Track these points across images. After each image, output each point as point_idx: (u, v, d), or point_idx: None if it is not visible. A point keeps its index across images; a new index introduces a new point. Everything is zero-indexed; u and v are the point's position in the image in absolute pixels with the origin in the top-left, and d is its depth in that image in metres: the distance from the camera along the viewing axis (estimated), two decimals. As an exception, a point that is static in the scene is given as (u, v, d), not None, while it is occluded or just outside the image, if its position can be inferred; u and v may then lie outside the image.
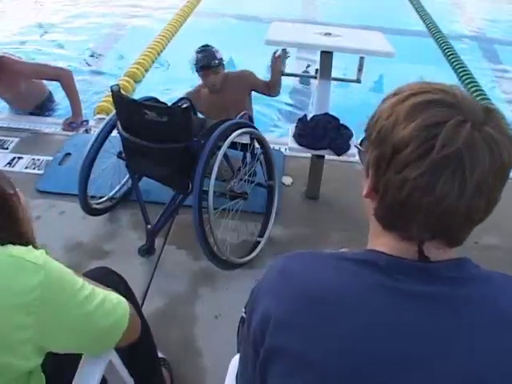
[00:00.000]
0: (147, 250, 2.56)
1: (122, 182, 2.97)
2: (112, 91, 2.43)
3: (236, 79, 3.58)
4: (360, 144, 0.92)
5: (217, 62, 3.41)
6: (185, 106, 2.23)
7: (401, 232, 0.84)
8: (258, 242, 2.66)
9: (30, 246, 1.07)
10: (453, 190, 0.75)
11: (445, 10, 8.25)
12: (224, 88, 3.51)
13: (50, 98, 4.30)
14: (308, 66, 3.31)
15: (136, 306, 1.73)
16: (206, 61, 3.38)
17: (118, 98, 2.43)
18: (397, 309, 0.80)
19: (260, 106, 4.05)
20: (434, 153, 0.75)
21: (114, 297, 1.20)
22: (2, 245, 1.04)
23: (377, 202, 0.85)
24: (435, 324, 0.79)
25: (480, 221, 0.82)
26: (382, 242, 0.87)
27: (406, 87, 0.84)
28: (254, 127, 2.66)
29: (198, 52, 3.42)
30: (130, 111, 2.42)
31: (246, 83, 3.62)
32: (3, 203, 1.06)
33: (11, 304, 0.99)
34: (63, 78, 3.94)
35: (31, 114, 4.15)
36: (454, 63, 5.75)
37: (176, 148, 2.31)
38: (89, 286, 1.14)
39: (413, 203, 0.78)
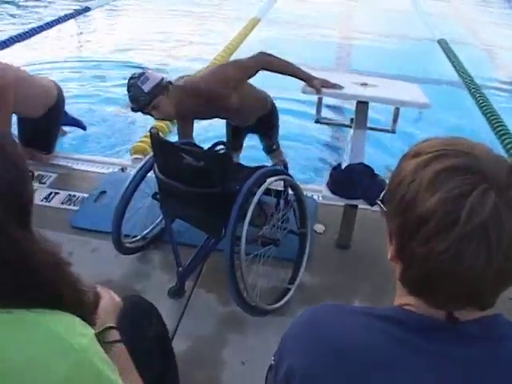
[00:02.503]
0: (177, 292, 2.57)
1: (156, 223, 3.00)
2: (151, 134, 2.49)
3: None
4: (381, 200, 0.92)
5: (146, 97, 2.81)
6: (222, 151, 2.27)
7: (428, 300, 0.83)
8: (288, 289, 2.64)
9: (80, 321, 1.00)
10: (479, 260, 0.74)
11: (478, 60, 8.29)
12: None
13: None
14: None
15: (167, 338, 1.73)
16: (135, 105, 2.87)
17: (156, 140, 2.49)
18: (425, 370, 0.79)
19: (294, 152, 4.09)
20: (460, 226, 0.73)
21: None
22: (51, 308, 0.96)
23: (401, 269, 0.84)
24: None
25: (510, 283, 0.80)
26: (409, 303, 0.86)
27: (426, 147, 0.83)
28: (289, 174, 2.68)
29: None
30: (167, 154, 2.47)
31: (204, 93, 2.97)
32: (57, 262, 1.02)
33: None
34: None
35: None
36: (488, 114, 5.72)
37: (211, 193, 2.34)
38: None
39: (438, 275, 0.77)
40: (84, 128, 4.47)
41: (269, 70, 3.06)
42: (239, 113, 3.13)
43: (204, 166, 2.29)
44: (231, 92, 2.95)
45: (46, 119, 3.74)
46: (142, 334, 1.56)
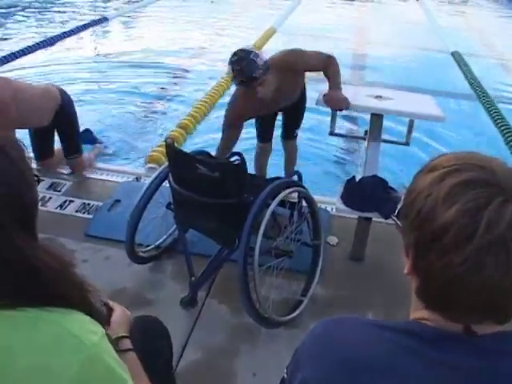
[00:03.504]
0: (189, 302, 2.58)
1: (169, 232, 3.01)
2: (166, 144, 2.50)
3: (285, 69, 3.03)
4: (397, 215, 0.92)
5: (260, 71, 2.81)
6: (237, 162, 2.28)
7: (445, 313, 0.82)
8: (301, 301, 2.64)
9: (90, 319, 1.00)
10: (498, 272, 0.74)
11: (492, 72, 8.27)
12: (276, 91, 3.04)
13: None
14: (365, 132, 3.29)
15: (169, 361, 1.74)
16: (245, 74, 2.82)
17: (172, 150, 2.50)
18: (437, 381, 0.79)
19: (309, 164, 4.09)
20: (477, 238, 0.73)
21: None
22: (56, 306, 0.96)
23: (418, 282, 0.84)
24: None
25: None
26: (425, 317, 0.86)
27: (442, 161, 0.83)
28: (303, 186, 2.68)
29: (232, 63, 2.83)
30: (182, 164, 2.48)
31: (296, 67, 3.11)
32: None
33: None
34: None
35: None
36: (501, 127, 5.68)
37: (225, 204, 2.34)
38: None
39: (456, 287, 0.77)
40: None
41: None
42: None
43: (218, 176, 2.30)
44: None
45: (58, 122, 3.70)
46: (156, 355, 1.57)
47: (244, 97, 3.05)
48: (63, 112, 3.69)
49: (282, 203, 2.50)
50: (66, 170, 3.95)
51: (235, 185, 2.31)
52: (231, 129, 3.18)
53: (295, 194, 2.62)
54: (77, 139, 3.91)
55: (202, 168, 2.32)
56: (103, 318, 1.16)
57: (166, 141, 2.51)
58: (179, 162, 2.50)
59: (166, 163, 2.67)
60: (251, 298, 2.34)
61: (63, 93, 3.75)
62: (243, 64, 2.79)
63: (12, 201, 0.93)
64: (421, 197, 0.81)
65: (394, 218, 0.93)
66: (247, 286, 2.31)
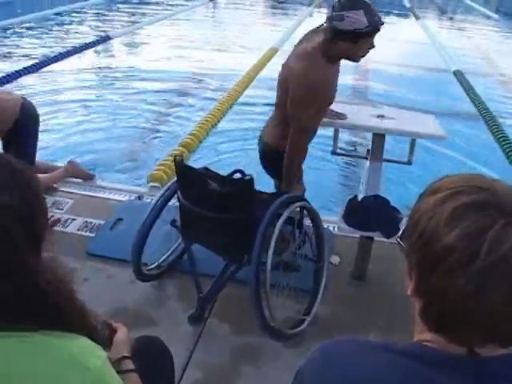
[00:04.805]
0: (198, 318, 2.55)
1: (171, 250, 2.99)
2: (175, 160, 2.51)
3: None
4: (401, 236, 0.92)
5: None
6: (248, 178, 2.28)
7: (448, 336, 0.82)
8: (303, 320, 2.62)
9: (94, 343, 1.02)
10: (502, 295, 0.74)
11: (494, 91, 8.31)
12: None
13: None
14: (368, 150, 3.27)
15: (171, 382, 1.73)
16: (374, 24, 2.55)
17: (181, 167, 2.51)
18: None
19: (311, 183, 4.07)
20: (480, 260, 0.73)
21: None
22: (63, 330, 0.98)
23: (421, 304, 0.84)
24: None
25: None
26: (428, 339, 0.85)
27: (445, 183, 0.83)
28: (307, 200, 2.68)
29: (369, 12, 2.51)
30: (192, 181, 2.49)
31: None
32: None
33: None
34: None
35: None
36: (504, 145, 5.69)
37: (235, 219, 2.35)
38: None
39: (459, 309, 0.77)
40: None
41: None
42: None
43: (229, 192, 2.30)
44: None
45: (17, 130, 3.50)
46: (158, 375, 1.57)
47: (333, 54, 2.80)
48: (18, 124, 3.49)
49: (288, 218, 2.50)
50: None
51: (245, 201, 2.32)
52: (318, 98, 2.66)
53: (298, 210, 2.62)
54: (28, 156, 3.59)
55: (213, 184, 2.32)
56: (104, 340, 1.16)
57: (175, 158, 2.52)
58: (189, 179, 2.50)
59: (171, 181, 2.68)
60: (264, 314, 2.34)
61: (27, 105, 3.58)
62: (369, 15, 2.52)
63: (25, 224, 0.95)
64: (424, 218, 0.81)
65: (398, 240, 0.93)
66: (260, 302, 2.32)
